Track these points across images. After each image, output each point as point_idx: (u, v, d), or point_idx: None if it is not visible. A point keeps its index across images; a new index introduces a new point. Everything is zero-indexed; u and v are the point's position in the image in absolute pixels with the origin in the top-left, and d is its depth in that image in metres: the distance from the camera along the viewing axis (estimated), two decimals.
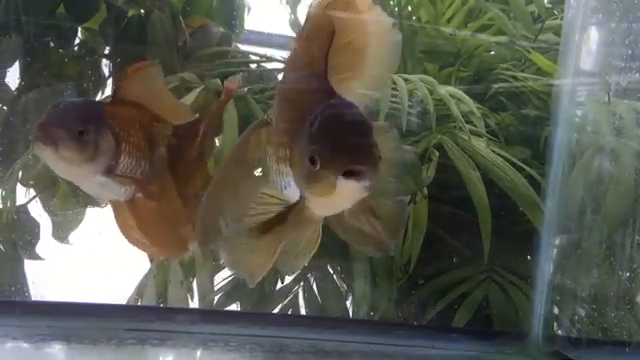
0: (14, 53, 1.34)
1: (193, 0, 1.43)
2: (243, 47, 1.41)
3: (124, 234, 0.72)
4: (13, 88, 1.35)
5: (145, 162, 0.70)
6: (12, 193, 1.21)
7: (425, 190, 0.93)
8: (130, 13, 1.32)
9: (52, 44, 1.35)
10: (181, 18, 1.37)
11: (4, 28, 1.30)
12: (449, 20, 1.20)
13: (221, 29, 1.40)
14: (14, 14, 1.28)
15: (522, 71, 1.13)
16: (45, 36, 1.34)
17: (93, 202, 1.38)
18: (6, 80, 1.36)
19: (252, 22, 1.46)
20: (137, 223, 0.71)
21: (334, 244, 0.95)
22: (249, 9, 1.46)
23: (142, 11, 1.34)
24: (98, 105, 0.70)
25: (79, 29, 1.33)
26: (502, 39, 1.17)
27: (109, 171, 0.67)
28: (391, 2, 1.29)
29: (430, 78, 1.00)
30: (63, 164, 0.65)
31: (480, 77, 1.15)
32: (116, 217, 0.73)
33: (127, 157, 0.68)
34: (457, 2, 1.19)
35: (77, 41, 1.35)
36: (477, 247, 0.94)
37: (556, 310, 0.94)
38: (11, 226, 1.35)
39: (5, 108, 1.36)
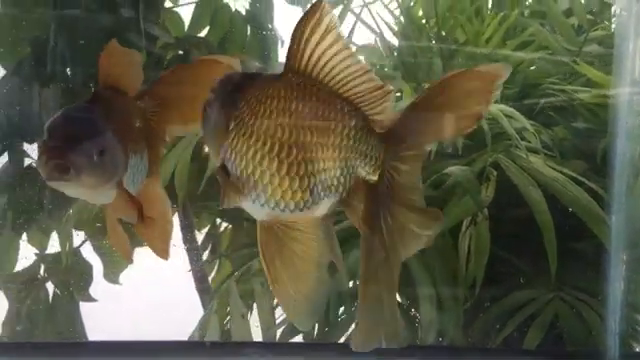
0: (55, 101, 1.35)
1: (228, 37, 1.43)
2: None
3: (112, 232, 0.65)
4: None
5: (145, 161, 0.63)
6: (69, 237, 1.20)
7: (485, 211, 0.90)
8: (169, 55, 1.32)
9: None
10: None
11: (50, 78, 1.31)
12: (488, 40, 1.18)
13: (257, 64, 1.40)
14: (60, 64, 1.29)
15: (569, 84, 1.10)
16: (89, 82, 1.35)
17: (141, 241, 1.38)
18: None
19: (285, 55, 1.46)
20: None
21: None
22: (282, 42, 1.45)
23: (180, 52, 1.35)
24: (97, 111, 0.59)
25: None
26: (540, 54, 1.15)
27: (120, 182, 0.59)
28: (426, 26, 1.28)
29: None
30: (82, 190, 0.57)
31: (526, 93, 1.12)
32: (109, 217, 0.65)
33: (133, 156, 0.60)
34: (495, 21, 1.17)
35: None
36: (541, 266, 0.90)
37: (631, 327, 0.90)
38: (66, 269, 1.35)
39: None
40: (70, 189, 0.56)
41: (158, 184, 0.66)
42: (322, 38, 0.46)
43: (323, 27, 0.46)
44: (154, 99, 0.66)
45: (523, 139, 0.95)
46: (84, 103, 0.62)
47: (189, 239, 1.37)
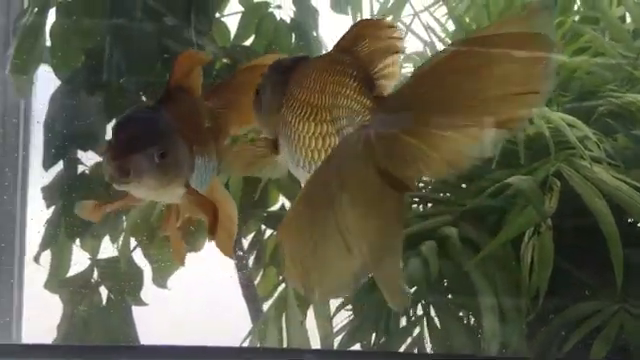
0: (108, 110, 1.36)
1: (273, 43, 1.43)
2: None
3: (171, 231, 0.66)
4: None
5: (214, 161, 0.63)
6: (127, 243, 1.21)
7: (549, 221, 0.88)
8: (217, 65, 1.33)
9: (144, 99, 1.37)
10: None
11: (103, 87, 1.32)
12: None
13: None
14: (114, 74, 1.31)
15: (627, 91, 1.08)
16: (141, 92, 1.36)
17: (191, 247, 1.39)
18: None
19: None
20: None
21: (455, 278, 0.91)
22: (326, 48, 1.45)
23: (226, 61, 1.35)
24: (163, 112, 0.60)
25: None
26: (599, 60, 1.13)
27: (187, 182, 0.59)
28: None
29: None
30: (146, 191, 0.58)
31: (582, 100, 1.10)
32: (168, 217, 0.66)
33: (199, 157, 0.61)
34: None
35: None
36: (605, 277, 0.89)
37: None
38: (119, 274, 1.36)
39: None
40: (133, 190, 0.57)
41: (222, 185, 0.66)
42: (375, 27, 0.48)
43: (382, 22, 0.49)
44: (220, 100, 0.66)
45: (584, 148, 0.93)
46: (153, 103, 0.63)
47: (236, 246, 1.37)
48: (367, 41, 0.48)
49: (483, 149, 0.39)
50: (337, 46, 0.51)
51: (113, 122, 1.34)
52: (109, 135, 1.35)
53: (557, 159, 0.93)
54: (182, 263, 0.69)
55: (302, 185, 0.51)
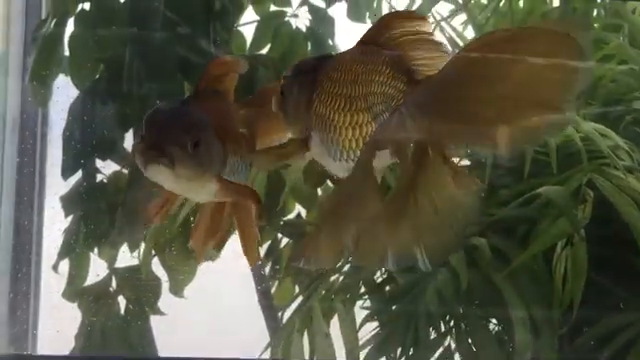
0: (126, 120, 1.35)
1: (289, 52, 1.42)
2: None
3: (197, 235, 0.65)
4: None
5: (247, 164, 0.62)
6: (148, 252, 1.20)
7: (582, 232, 0.86)
8: None
9: None
10: (284, 74, 1.36)
11: (122, 97, 1.31)
12: None
13: None
14: (133, 84, 1.30)
15: None
16: (157, 101, 1.35)
17: (207, 256, 1.37)
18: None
19: None
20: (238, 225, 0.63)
21: (485, 289, 0.89)
22: None
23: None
24: (195, 107, 0.59)
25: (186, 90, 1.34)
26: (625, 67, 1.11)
27: (220, 176, 0.58)
28: None
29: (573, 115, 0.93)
30: (179, 182, 0.55)
31: (608, 108, 1.07)
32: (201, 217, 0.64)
33: (232, 156, 0.59)
34: None
35: None
36: (637, 289, 0.86)
37: None
38: (138, 283, 1.35)
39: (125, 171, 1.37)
40: (166, 181, 0.55)
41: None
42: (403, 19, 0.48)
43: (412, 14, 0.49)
44: (253, 111, 0.65)
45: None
46: (184, 98, 0.61)
47: None
48: (396, 31, 0.48)
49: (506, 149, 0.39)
50: (364, 37, 0.50)
51: (131, 131, 1.35)
52: (127, 145, 1.35)
53: (588, 169, 0.91)
54: (199, 262, 0.67)
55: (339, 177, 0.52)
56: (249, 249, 0.64)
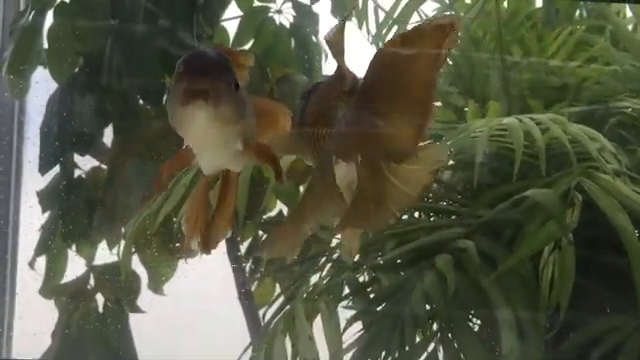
0: (105, 114, 1.32)
1: (273, 48, 1.39)
2: None
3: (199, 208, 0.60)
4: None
5: None
6: (129, 252, 1.16)
7: (570, 236, 0.84)
8: None
9: (142, 102, 1.32)
10: (268, 69, 1.33)
11: (101, 91, 1.28)
12: (552, 55, 1.12)
13: (304, 77, 1.36)
14: (113, 77, 1.26)
15: None
16: (135, 95, 1.31)
17: (186, 254, 1.34)
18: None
19: (330, 68, 1.42)
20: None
21: (471, 292, 0.87)
22: (327, 56, 1.41)
23: None
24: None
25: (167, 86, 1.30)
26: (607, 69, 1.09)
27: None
28: (483, 41, 1.23)
29: (561, 117, 0.91)
30: (217, 125, 0.50)
31: (592, 111, 1.06)
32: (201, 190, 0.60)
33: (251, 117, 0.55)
34: (562, 35, 1.11)
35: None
36: (623, 293, 0.84)
37: None
38: (117, 281, 1.32)
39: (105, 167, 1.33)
40: (204, 122, 0.49)
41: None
42: None
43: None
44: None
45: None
46: None
47: (234, 254, 1.33)
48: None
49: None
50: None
51: (110, 126, 1.31)
52: (107, 139, 1.31)
53: (577, 172, 0.89)
54: (208, 251, 0.63)
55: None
56: (222, 221, 0.59)
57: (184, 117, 0.49)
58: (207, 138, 0.52)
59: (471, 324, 0.90)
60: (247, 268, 1.34)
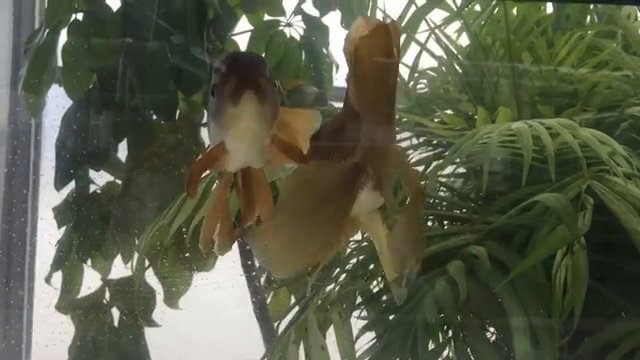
0: (119, 130, 1.33)
1: (283, 61, 1.40)
2: (338, 105, 1.36)
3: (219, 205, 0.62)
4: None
5: None
6: (142, 264, 1.17)
7: (582, 240, 0.83)
8: None
9: (154, 117, 1.34)
10: (278, 81, 1.34)
11: (115, 107, 1.29)
12: (561, 62, 1.12)
13: (315, 89, 1.37)
14: (126, 93, 1.28)
15: None
16: (149, 110, 1.33)
17: (201, 267, 1.34)
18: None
19: (341, 80, 1.42)
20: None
21: (484, 298, 0.86)
22: (337, 67, 1.42)
23: None
24: None
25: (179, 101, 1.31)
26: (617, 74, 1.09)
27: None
28: (493, 47, 1.23)
29: (571, 122, 0.91)
30: (263, 119, 0.53)
31: (604, 116, 1.05)
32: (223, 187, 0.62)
33: None
34: (572, 40, 1.11)
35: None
36: (639, 297, 0.83)
37: None
38: (132, 294, 1.33)
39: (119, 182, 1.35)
40: (251, 115, 0.52)
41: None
42: None
43: None
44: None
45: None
46: None
47: (248, 265, 1.33)
48: None
49: None
50: None
51: (125, 141, 1.32)
52: (121, 154, 1.33)
53: (587, 175, 0.88)
54: (204, 248, 0.64)
55: None
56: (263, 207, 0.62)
57: (234, 112, 0.51)
58: (252, 132, 0.53)
59: (484, 330, 0.90)
60: (262, 281, 1.34)
